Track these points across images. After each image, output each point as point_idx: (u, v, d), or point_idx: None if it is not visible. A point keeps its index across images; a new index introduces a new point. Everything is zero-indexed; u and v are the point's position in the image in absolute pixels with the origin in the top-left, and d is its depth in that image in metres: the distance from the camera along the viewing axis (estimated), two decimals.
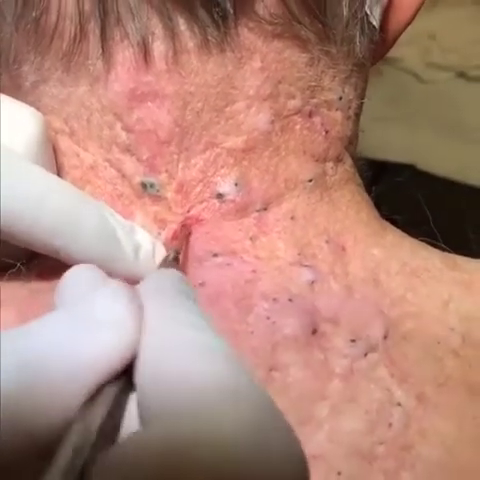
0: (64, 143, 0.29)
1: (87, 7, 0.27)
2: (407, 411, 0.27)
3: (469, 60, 1.18)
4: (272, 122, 0.29)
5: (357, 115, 0.32)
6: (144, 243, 0.28)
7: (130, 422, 0.20)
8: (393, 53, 1.27)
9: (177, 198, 0.29)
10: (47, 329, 0.20)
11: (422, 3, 0.34)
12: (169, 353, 0.20)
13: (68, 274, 0.23)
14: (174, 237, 0.29)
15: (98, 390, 0.20)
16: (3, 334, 0.20)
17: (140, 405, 0.20)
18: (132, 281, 0.27)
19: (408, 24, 0.34)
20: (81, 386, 0.19)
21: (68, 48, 0.28)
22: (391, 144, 1.17)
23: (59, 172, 0.30)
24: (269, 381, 0.26)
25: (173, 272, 0.25)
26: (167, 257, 0.27)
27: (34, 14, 0.27)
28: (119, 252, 0.27)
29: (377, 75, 1.27)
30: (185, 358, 0.19)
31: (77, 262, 0.26)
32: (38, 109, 0.29)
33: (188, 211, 0.29)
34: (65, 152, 0.30)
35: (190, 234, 0.29)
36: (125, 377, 0.20)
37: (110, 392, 0.20)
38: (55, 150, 0.29)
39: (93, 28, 0.27)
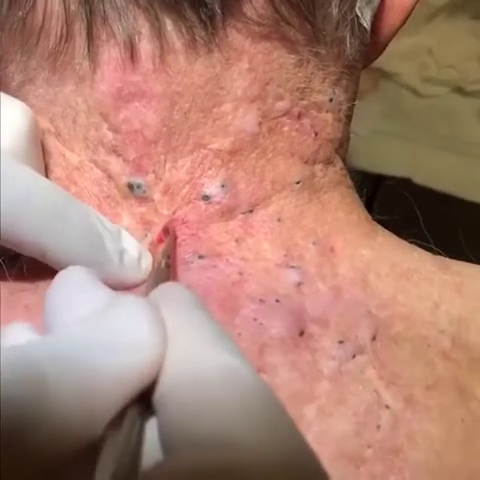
0: (50, 143, 0.29)
1: (73, 7, 0.27)
2: (395, 413, 0.27)
3: (466, 75, 1.19)
4: (260, 124, 0.29)
5: (348, 117, 0.32)
6: (130, 248, 0.28)
7: (151, 448, 0.19)
8: (390, 68, 1.28)
9: (164, 199, 0.29)
10: (73, 347, 0.19)
11: (413, 6, 0.34)
12: (194, 380, 0.19)
13: (60, 277, 0.23)
14: (159, 240, 0.29)
15: (123, 412, 0.19)
16: (30, 346, 0.19)
17: (162, 431, 0.19)
18: (115, 286, 0.27)
19: (399, 27, 0.34)
20: (108, 404, 0.19)
21: (54, 48, 0.28)
22: (388, 158, 1.17)
23: (45, 172, 0.29)
24: None
25: (180, 286, 0.24)
26: (159, 264, 0.27)
27: (20, 13, 0.27)
28: (104, 255, 0.26)
29: (374, 89, 1.28)
30: (211, 386, 0.19)
31: (61, 263, 0.25)
32: None
33: (174, 213, 0.29)
34: (51, 152, 0.29)
35: (176, 237, 0.29)
36: (142, 400, 0.20)
37: (132, 414, 0.19)
38: (42, 151, 0.29)
39: (79, 28, 0.27)
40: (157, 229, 0.29)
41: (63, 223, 0.25)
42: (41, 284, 0.27)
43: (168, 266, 0.27)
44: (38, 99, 0.29)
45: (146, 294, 0.23)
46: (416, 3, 0.34)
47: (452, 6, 1.17)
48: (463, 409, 0.27)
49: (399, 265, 0.31)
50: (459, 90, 1.21)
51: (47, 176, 0.29)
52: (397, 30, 0.35)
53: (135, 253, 0.27)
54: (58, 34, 0.27)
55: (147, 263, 0.28)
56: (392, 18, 0.34)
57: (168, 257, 0.27)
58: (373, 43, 0.33)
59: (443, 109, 1.20)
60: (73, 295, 0.22)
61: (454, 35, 1.18)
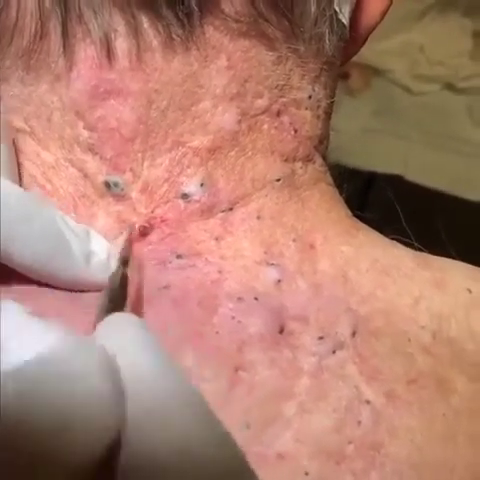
0: (24, 142, 0.29)
1: (47, 4, 0.27)
2: (377, 409, 0.27)
3: (457, 72, 1.19)
4: (239, 122, 0.29)
5: (327, 114, 0.32)
6: (98, 250, 0.27)
7: None
8: (382, 65, 1.28)
9: (141, 198, 0.28)
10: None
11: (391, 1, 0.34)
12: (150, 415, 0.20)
13: None
14: (137, 238, 0.28)
15: None
16: None
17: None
18: (82, 287, 0.27)
19: (377, 23, 0.34)
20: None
21: (28, 46, 0.27)
22: (379, 155, 1.17)
23: (19, 171, 0.29)
24: (236, 381, 0.26)
25: (127, 316, 0.24)
26: (116, 274, 0.27)
27: None
28: (69, 258, 0.26)
29: (366, 87, 1.28)
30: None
31: (26, 268, 0.25)
32: None
33: (152, 211, 0.29)
34: (25, 151, 0.29)
35: (132, 243, 0.28)
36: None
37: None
38: (16, 150, 0.29)
39: (54, 25, 0.27)
40: (135, 226, 0.28)
41: (28, 228, 0.25)
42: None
43: (124, 276, 0.26)
44: (12, 98, 0.29)
45: (99, 316, 0.23)
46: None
47: (443, 3, 1.17)
48: (444, 404, 0.27)
49: (379, 261, 0.30)
50: (450, 87, 1.21)
51: (21, 175, 0.29)
52: (376, 25, 0.34)
53: (104, 254, 0.27)
54: (32, 32, 0.27)
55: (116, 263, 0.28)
56: (370, 13, 0.34)
57: (125, 264, 0.27)
58: (351, 39, 0.33)
59: (434, 106, 1.20)
60: (9, 337, 0.21)
61: (445, 32, 1.19)
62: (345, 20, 0.31)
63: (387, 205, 0.44)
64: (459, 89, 1.20)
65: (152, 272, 0.28)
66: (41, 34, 0.27)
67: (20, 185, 0.29)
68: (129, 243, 0.28)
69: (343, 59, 0.34)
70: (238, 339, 0.27)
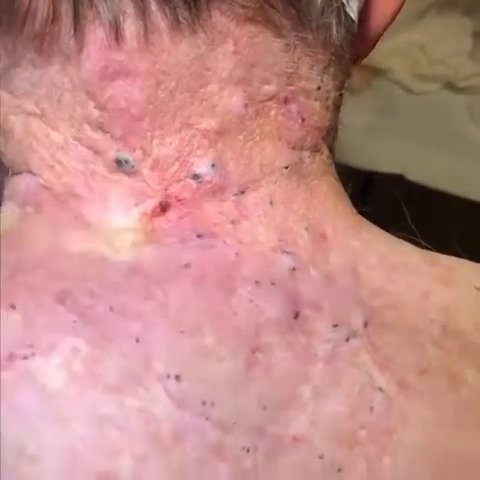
0: (35, 125, 0.29)
1: None
2: (389, 396, 0.27)
3: (457, 71, 1.19)
4: (246, 106, 0.29)
5: (336, 106, 0.32)
6: None
7: None
8: (382, 64, 1.28)
9: (153, 175, 0.29)
10: None
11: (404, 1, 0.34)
12: None
13: None
14: (154, 214, 0.29)
15: None
16: None
17: None
18: None
19: (389, 23, 0.34)
20: None
21: (40, 29, 0.28)
22: (380, 154, 1.17)
23: (29, 153, 0.29)
24: (253, 362, 0.26)
25: None
26: None
27: None
28: None
29: (367, 87, 1.28)
30: None
31: None
32: (11, 92, 0.29)
33: (166, 189, 0.29)
34: (35, 133, 0.29)
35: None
36: None
37: None
38: (27, 132, 0.29)
39: (66, 8, 0.27)
40: (149, 202, 0.29)
41: None
42: None
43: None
44: (23, 82, 0.29)
45: None
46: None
47: (443, 2, 1.18)
48: (454, 395, 0.28)
49: (387, 257, 0.31)
50: (450, 86, 1.21)
51: (31, 157, 0.29)
52: (387, 25, 0.34)
53: None
54: (44, 15, 0.27)
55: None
56: (381, 12, 0.34)
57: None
58: (363, 38, 0.33)
59: (435, 105, 1.21)
60: None
61: (445, 31, 1.19)
62: (353, 14, 0.31)
63: (389, 204, 0.44)
64: (459, 88, 1.20)
65: (173, 249, 0.28)
66: (53, 17, 0.27)
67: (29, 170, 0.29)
68: (147, 217, 0.28)
69: (356, 58, 0.34)
70: (255, 322, 0.27)
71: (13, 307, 0.26)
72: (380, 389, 0.27)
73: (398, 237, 0.32)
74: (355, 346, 0.28)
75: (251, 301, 0.27)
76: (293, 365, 0.27)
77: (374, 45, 0.36)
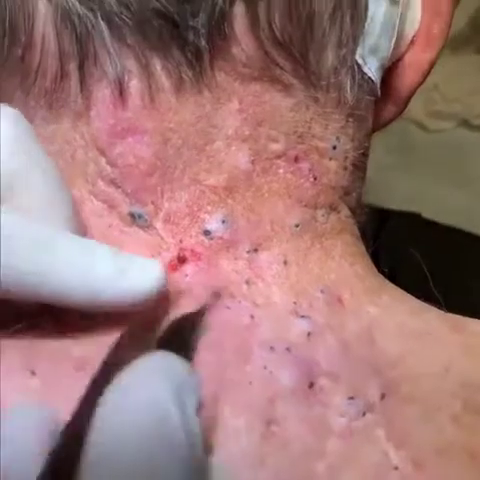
0: None
1: (67, 46, 0.28)
2: (404, 476, 0.26)
3: (472, 109, 1.19)
4: (252, 162, 0.29)
5: (357, 167, 0.31)
6: (130, 263, 0.26)
7: None
8: None
9: (167, 228, 0.29)
10: None
11: (432, 64, 0.34)
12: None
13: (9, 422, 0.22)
14: (172, 267, 0.28)
15: None
16: None
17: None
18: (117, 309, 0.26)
19: (418, 85, 0.34)
20: None
21: (50, 86, 0.28)
22: (396, 193, 1.17)
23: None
24: (269, 436, 0.25)
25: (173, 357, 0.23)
26: None
27: (19, 51, 0.28)
28: (99, 279, 0.25)
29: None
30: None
31: (57, 299, 0.24)
32: None
33: (180, 241, 0.29)
34: None
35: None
36: None
37: None
38: None
39: (73, 66, 0.28)
40: (165, 256, 0.28)
41: (52, 256, 0.24)
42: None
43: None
44: (37, 138, 0.29)
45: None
46: (435, 61, 0.34)
47: (455, 41, 1.18)
48: (476, 474, 0.26)
49: (407, 324, 0.30)
50: (466, 124, 1.21)
51: None
52: (416, 87, 0.34)
53: (138, 263, 0.26)
54: (53, 72, 0.28)
55: (156, 269, 0.26)
56: (410, 76, 0.33)
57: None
58: (392, 101, 0.33)
59: (450, 143, 1.20)
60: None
61: (459, 70, 1.19)
62: (372, 74, 0.30)
63: (403, 243, 0.43)
64: (475, 126, 1.20)
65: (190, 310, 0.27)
66: (61, 75, 0.28)
67: None
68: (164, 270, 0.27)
69: (385, 122, 0.33)
70: (270, 391, 0.26)
71: None
72: (395, 468, 0.26)
73: (418, 296, 0.31)
74: (371, 421, 0.26)
75: (265, 368, 0.27)
76: (308, 439, 0.26)
77: (405, 106, 0.35)
